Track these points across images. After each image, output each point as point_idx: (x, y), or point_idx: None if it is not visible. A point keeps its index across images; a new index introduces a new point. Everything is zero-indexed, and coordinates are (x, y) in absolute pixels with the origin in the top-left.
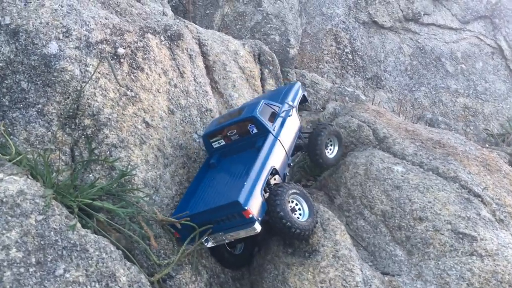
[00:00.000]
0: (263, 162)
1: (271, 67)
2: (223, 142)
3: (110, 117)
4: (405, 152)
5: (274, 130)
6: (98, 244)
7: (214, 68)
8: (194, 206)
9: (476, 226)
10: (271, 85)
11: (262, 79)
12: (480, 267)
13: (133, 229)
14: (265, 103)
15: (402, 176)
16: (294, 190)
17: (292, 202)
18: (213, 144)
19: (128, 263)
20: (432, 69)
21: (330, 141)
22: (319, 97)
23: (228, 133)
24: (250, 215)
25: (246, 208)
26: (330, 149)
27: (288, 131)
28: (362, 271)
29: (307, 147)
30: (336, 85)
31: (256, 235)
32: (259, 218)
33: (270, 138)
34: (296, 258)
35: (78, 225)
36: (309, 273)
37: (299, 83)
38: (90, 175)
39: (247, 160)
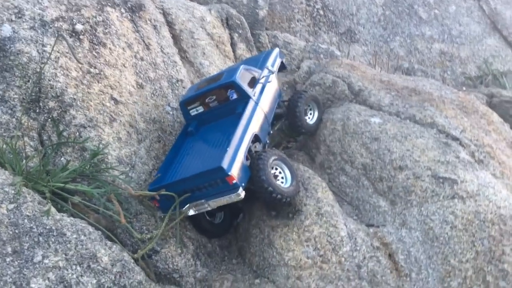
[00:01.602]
0: (245, 128)
1: (240, 31)
2: (201, 109)
3: (75, 97)
4: (381, 103)
5: (254, 95)
6: (75, 226)
7: (181, 37)
8: (173, 174)
9: (456, 169)
10: (242, 49)
11: (233, 44)
12: (463, 209)
13: (111, 209)
14: (244, 68)
15: (380, 127)
16: (275, 157)
17: (273, 168)
18: (190, 111)
19: (109, 243)
20: (406, 17)
21: (310, 107)
22: (293, 57)
23: (206, 100)
24: (234, 181)
25: (229, 173)
26: (311, 114)
27: (268, 97)
28: (346, 226)
29: (286, 116)
30: (309, 43)
31: (238, 202)
32: (243, 184)
33: (251, 103)
34: (280, 220)
35: (53, 210)
36: (294, 233)
37: (277, 49)
38: (62, 159)
39: (228, 127)
